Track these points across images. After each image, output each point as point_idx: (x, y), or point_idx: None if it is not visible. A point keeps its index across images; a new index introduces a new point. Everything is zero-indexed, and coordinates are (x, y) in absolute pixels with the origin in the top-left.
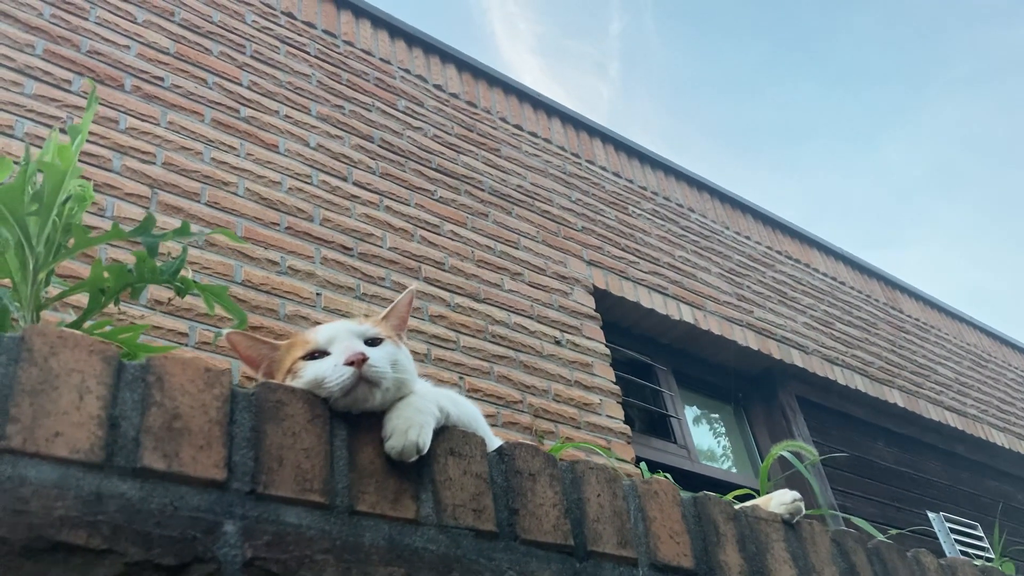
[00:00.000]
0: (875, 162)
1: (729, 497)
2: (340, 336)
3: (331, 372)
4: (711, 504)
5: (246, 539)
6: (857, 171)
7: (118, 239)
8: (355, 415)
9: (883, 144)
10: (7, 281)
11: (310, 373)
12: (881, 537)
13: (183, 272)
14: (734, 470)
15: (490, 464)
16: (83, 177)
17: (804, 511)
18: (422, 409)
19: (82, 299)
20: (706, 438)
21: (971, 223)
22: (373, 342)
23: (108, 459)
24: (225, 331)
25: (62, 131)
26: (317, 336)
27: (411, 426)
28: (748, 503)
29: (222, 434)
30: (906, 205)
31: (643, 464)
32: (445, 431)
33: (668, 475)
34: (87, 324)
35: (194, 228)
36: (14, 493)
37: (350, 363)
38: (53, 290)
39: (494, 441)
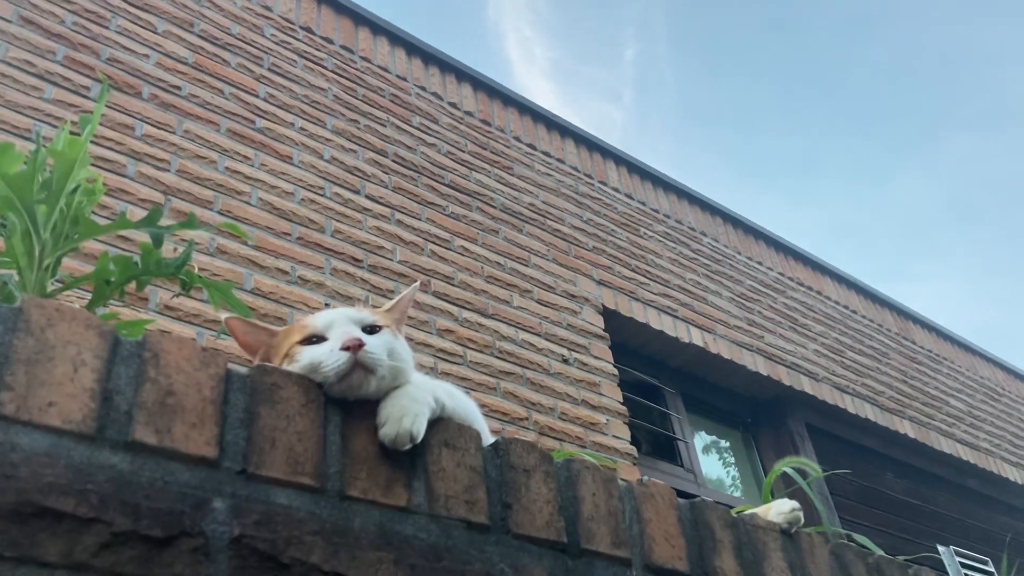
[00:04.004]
0: (889, 195)
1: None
2: (338, 322)
3: (327, 357)
4: (708, 510)
5: (235, 516)
6: (870, 203)
7: (125, 229)
8: (350, 401)
9: (897, 177)
10: (13, 270)
11: (306, 357)
12: (881, 553)
13: (190, 267)
14: (741, 496)
15: (485, 458)
16: (93, 169)
17: (803, 521)
18: (417, 398)
19: (87, 296)
20: (714, 464)
21: (985, 258)
22: (372, 330)
23: (100, 431)
24: (224, 316)
25: (74, 130)
26: (315, 321)
27: (405, 414)
28: (746, 511)
29: (215, 413)
30: (919, 238)
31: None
32: (440, 422)
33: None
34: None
35: (204, 232)
36: (4, 457)
37: (346, 348)
38: (58, 284)
39: (490, 437)
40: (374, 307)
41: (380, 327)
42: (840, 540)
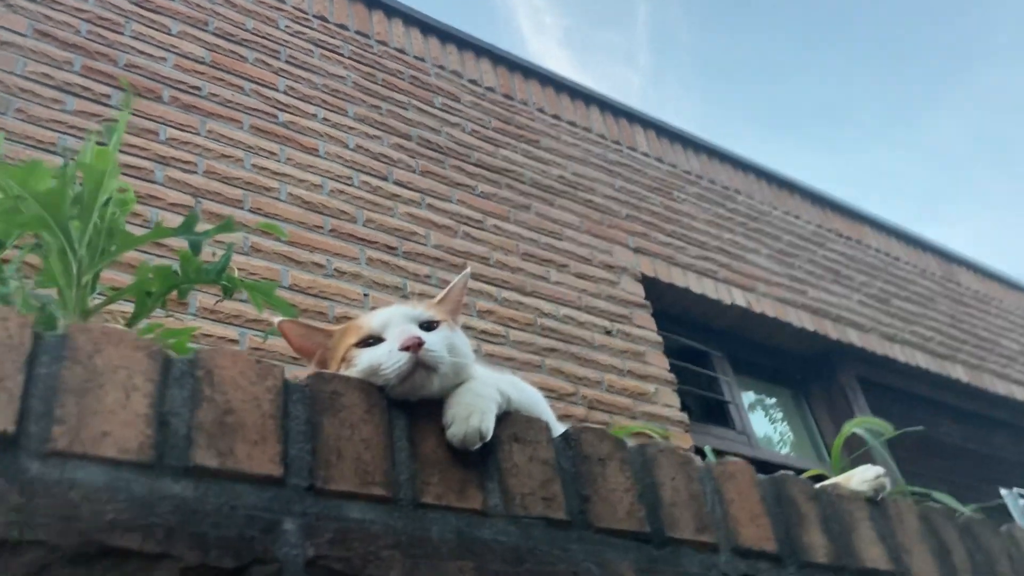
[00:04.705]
0: (921, 137)
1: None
2: (395, 320)
3: (386, 358)
4: (790, 484)
5: (307, 537)
6: (902, 147)
7: (162, 238)
8: (413, 403)
9: (928, 118)
10: (53, 289)
11: (365, 360)
12: (967, 511)
13: (229, 271)
14: (791, 453)
15: (556, 450)
16: (123, 179)
17: (888, 488)
18: (482, 394)
19: (129, 309)
20: (765, 424)
21: (1019, 186)
22: (428, 326)
23: (159, 458)
24: (278, 319)
25: (99, 143)
26: (371, 321)
27: (472, 412)
28: (828, 481)
29: (276, 428)
30: (952, 179)
31: (707, 449)
32: (508, 417)
33: (710, 450)
34: (135, 329)
35: (239, 234)
36: (63, 497)
37: (406, 348)
38: (98, 298)
39: (558, 427)
40: (420, 296)
41: (437, 322)
42: (924, 501)
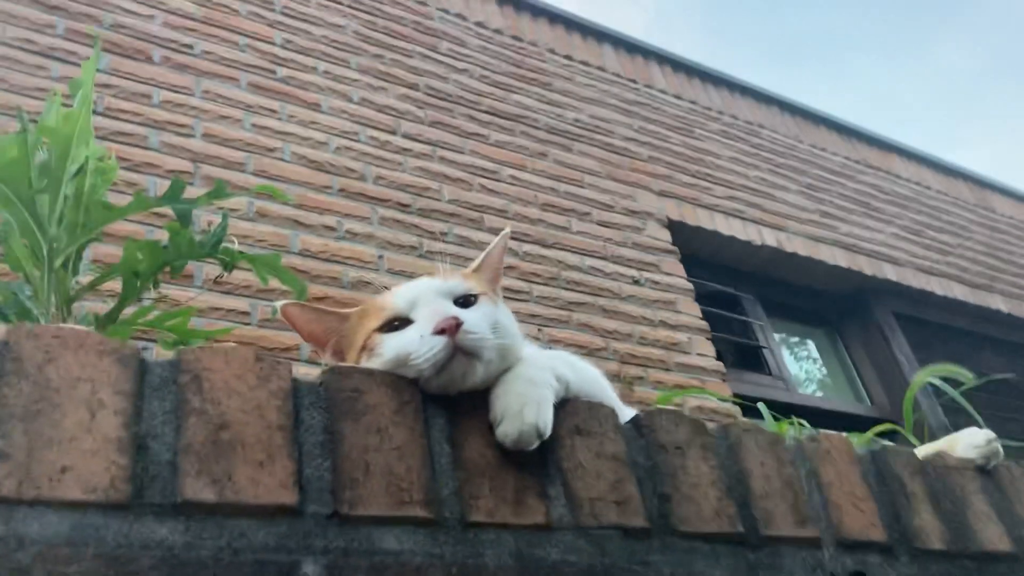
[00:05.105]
0: (931, 62)
1: (868, 436)
2: (424, 297)
3: (418, 345)
4: (893, 458)
5: None
6: (912, 74)
7: (144, 209)
8: (452, 397)
9: (937, 43)
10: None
11: (391, 348)
12: None
13: (227, 243)
14: (821, 394)
15: (626, 440)
16: (112, 146)
17: (1002, 454)
18: (536, 381)
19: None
20: (800, 366)
21: None
22: (466, 302)
23: (137, 495)
24: (279, 303)
25: (66, 102)
26: (396, 300)
27: (526, 404)
28: (929, 449)
29: (286, 442)
30: (966, 101)
31: (762, 407)
32: (566, 405)
33: (765, 407)
34: (129, 313)
35: (243, 198)
36: (7, 560)
37: (440, 331)
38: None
39: (624, 409)
40: (448, 262)
41: (476, 296)
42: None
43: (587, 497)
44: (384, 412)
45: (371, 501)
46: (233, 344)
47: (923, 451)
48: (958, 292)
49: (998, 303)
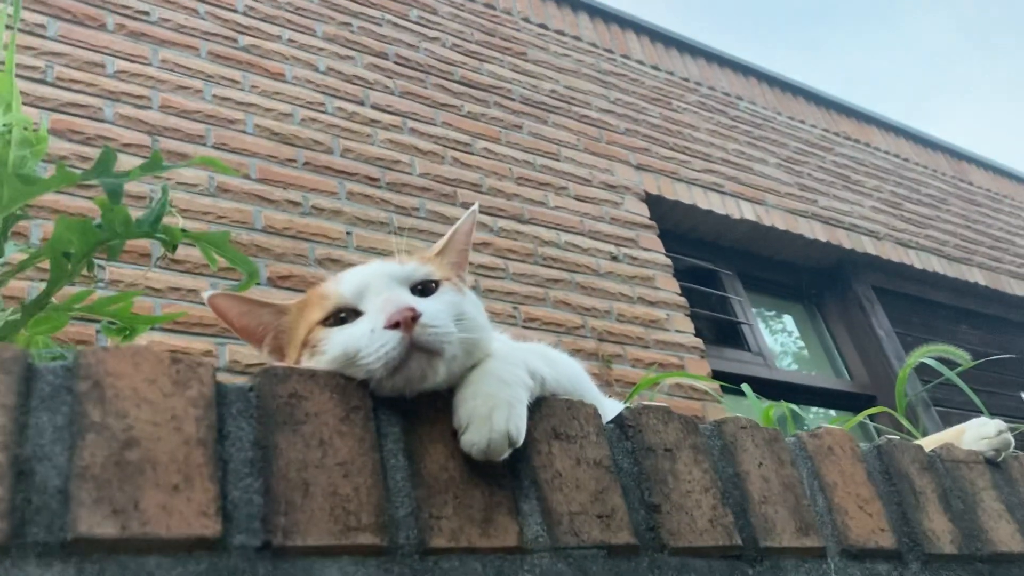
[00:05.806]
0: (902, 34)
1: (858, 418)
2: (375, 285)
3: (368, 341)
4: (899, 452)
5: None
6: (884, 44)
7: (69, 183)
8: (409, 400)
9: (908, 14)
10: None
11: (336, 345)
12: None
13: (170, 220)
14: (799, 369)
15: (610, 443)
16: (64, 119)
17: (1013, 444)
18: (507, 379)
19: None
20: (779, 342)
21: (1011, 80)
22: (425, 289)
23: (17, 532)
24: (207, 294)
25: None
26: (341, 288)
27: (496, 407)
28: (933, 440)
29: (208, 460)
30: (942, 72)
31: (746, 388)
32: (542, 405)
33: (748, 385)
34: (63, 298)
35: (203, 173)
36: None
37: (394, 324)
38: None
39: (607, 406)
40: (408, 253)
41: (436, 282)
42: None
43: (566, 512)
44: (328, 421)
45: (311, 528)
46: (144, 343)
47: (928, 443)
48: (936, 265)
49: (976, 276)
